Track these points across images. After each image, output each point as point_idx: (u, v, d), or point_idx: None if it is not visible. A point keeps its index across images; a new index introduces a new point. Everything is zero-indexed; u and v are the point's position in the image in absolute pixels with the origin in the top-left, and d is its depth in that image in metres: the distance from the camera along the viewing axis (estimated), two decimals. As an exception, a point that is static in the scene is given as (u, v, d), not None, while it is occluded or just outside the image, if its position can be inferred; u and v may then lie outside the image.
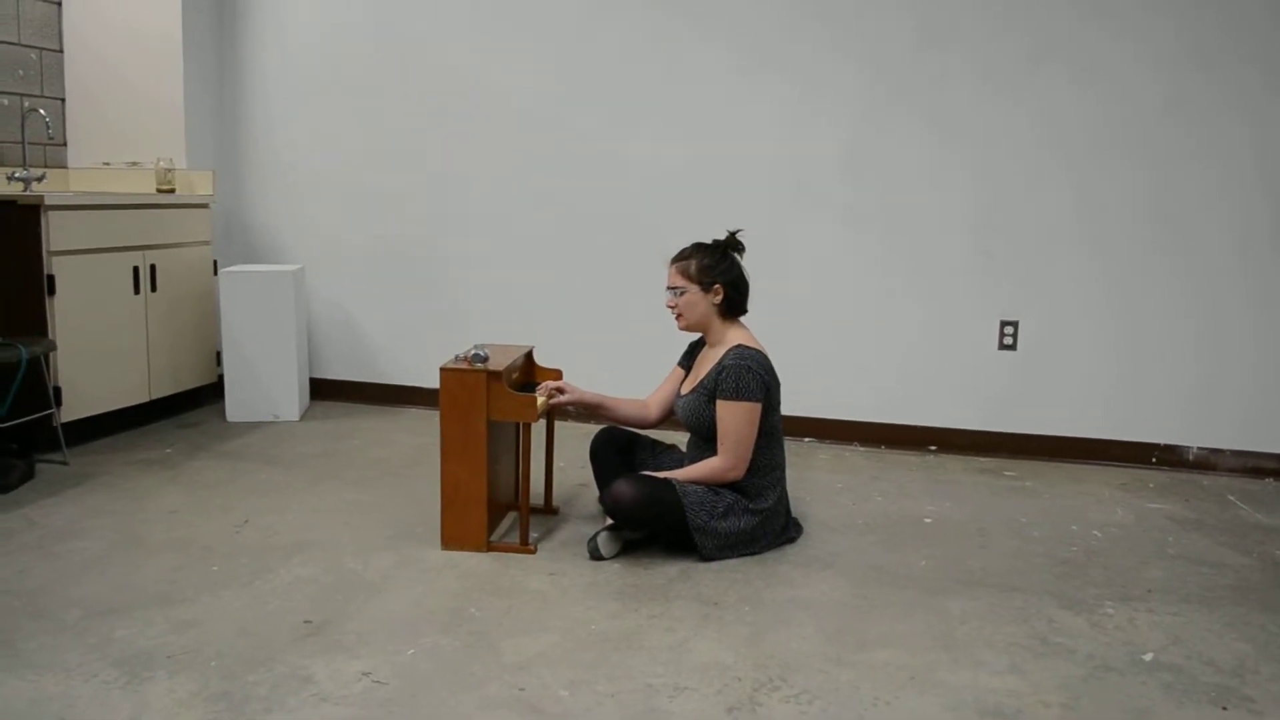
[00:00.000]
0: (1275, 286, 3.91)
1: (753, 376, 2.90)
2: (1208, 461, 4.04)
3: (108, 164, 4.63)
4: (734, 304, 3.05)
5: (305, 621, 2.47)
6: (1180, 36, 3.87)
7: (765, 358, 2.99)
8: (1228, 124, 3.88)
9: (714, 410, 2.94)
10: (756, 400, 2.90)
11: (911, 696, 2.19)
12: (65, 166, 4.66)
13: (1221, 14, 3.83)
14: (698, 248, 3.05)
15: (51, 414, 3.70)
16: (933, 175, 4.14)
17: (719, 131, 4.31)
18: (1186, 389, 4.03)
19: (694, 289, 3.01)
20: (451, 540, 2.96)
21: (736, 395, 2.89)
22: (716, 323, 3.05)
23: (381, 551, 2.95)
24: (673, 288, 3.04)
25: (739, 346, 2.98)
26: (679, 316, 3.06)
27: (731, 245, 3.05)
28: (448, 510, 2.95)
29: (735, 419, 2.90)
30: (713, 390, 2.95)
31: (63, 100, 4.62)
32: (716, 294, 3.01)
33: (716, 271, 3.00)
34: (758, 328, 3.13)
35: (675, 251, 3.07)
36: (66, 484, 3.51)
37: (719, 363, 2.96)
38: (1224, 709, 2.17)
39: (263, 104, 4.80)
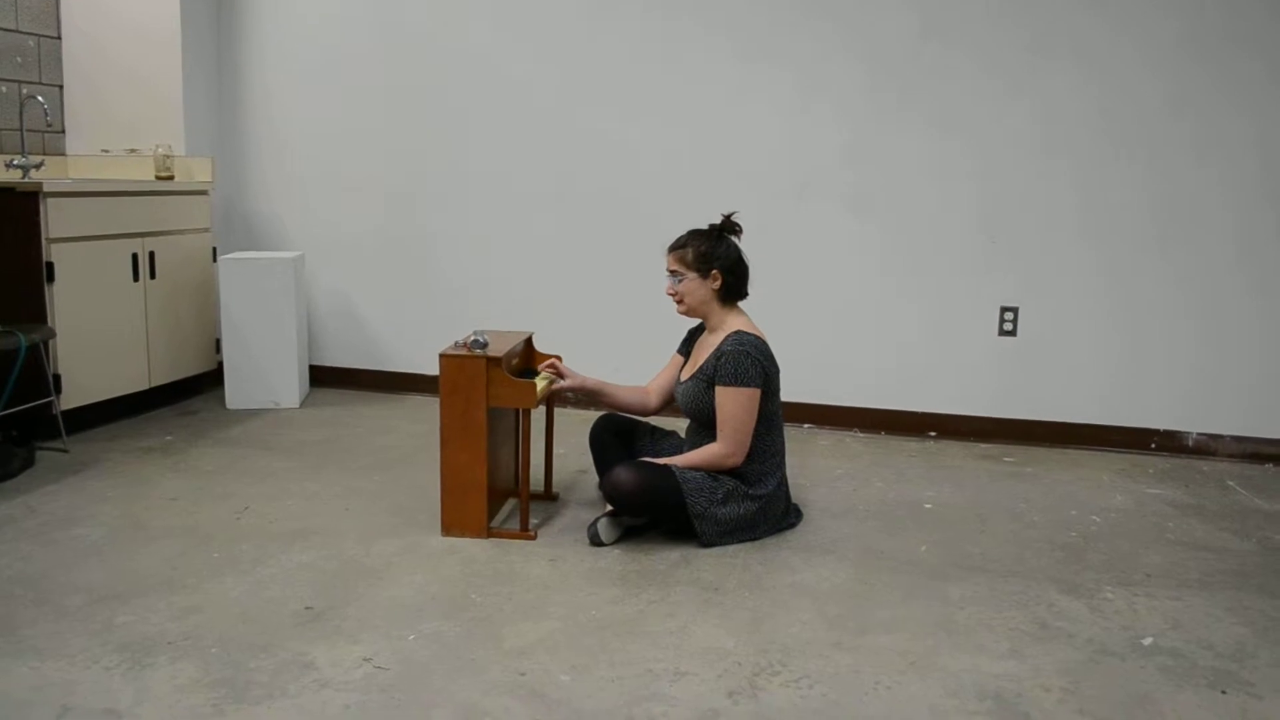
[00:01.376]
0: (1275, 273, 3.90)
1: (751, 362, 2.90)
2: (1207, 447, 4.05)
3: (106, 151, 4.62)
4: (733, 289, 3.04)
5: (306, 608, 2.48)
6: (1182, 29, 3.85)
7: (764, 343, 2.98)
8: (1228, 116, 3.86)
9: (713, 396, 2.94)
10: (755, 386, 2.90)
11: (912, 681, 2.19)
12: (64, 154, 4.65)
13: (1223, 7, 3.81)
14: (693, 234, 3.04)
15: (51, 402, 3.70)
16: (933, 165, 4.13)
17: (721, 123, 4.30)
18: (1186, 375, 4.03)
19: (692, 275, 3.01)
20: (452, 526, 2.97)
21: (735, 381, 2.89)
22: (716, 308, 3.05)
23: (382, 538, 2.95)
24: (671, 273, 3.04)
25: (737, 332, 2.97)
26: (679, 302, 3.06)
27: (727, 228, 3.04)
28: (448, 496, 2.96)
29: (734, 405, 2.90)
30: (712, 376, 2.95)
31: (61, 87, 4.60)
32: (715, 280, 3.01)
33: (713, 257, 3.00)
34: (758, 314, 3.13)
35: (673, 240, 3.07)
36: (67, 471, 3.51)
37: (718, 349, 2.96)
38: (1223, 693, 2.17)
39: (262, 90, 4.78)
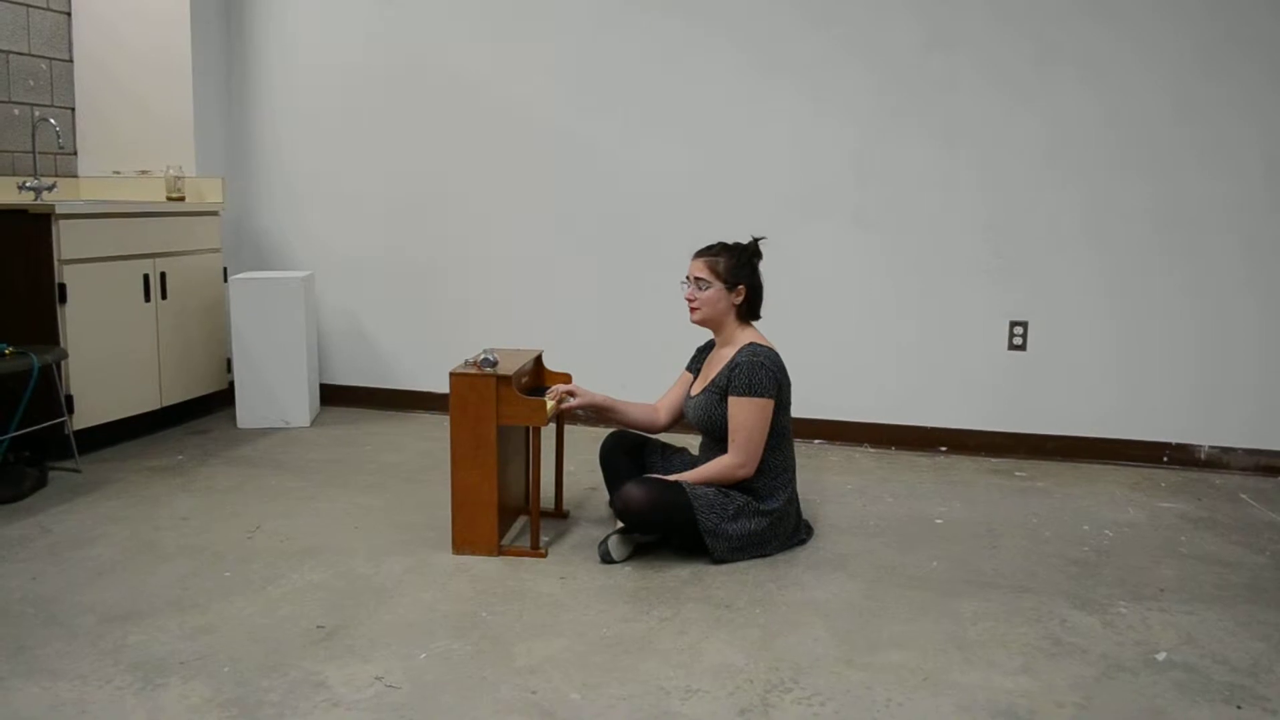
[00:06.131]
0: (1286, 284, 3.90)
1: (765, 373, 2.91)
2: (1219, 460, 4.03)
3: (118, 172, 4.65)
4: (753, 307, 3.09)
5: (317, 626, 2.48)
6: (1187, 39, 3.86)
7: (777, 356, 3.00)
8: (1235, 126, 3.86)
9: (725, 409, 2.95)
10: (769, 397, 2.91)
11: (924, 697, 2.18)
12: (75, 175, 4.69)
13: (1229, 17, 3.82)
14: (725, 247, 3.07)
15: (63, 422, 3.71)
16: (941, 177, 4.13)
17: (727, 136, 4.31)
18: (1197, 388, 4.02)
19: (718, 286, 3.02)
20: (462, 544, 2.97)
21: (749, 391, 2.90)
22: (732, 322, 3.06)
23: (393, 556, 2.95)
24: (698, 279, 3.03)
25: (751, 344, 2.99)
26: (695, 309, 3.05)
27: (754, 251, 3.08)
28: (458, 514, 2.96)
29: (747, 415, 2.90)
30: (724, 388, 2.96)
31: (72, 109, 4.64)
32: (739, 295, 3.04)
33: (743, 273, 3.03)
34: (768, 329, 3.14)
35: (704, 246, 3.09)
36: (79, 491, 3.52)
37: (731, 360, 2.97)
38: (1238, 708, 2.16)
39: (271, 111, 4.81)
